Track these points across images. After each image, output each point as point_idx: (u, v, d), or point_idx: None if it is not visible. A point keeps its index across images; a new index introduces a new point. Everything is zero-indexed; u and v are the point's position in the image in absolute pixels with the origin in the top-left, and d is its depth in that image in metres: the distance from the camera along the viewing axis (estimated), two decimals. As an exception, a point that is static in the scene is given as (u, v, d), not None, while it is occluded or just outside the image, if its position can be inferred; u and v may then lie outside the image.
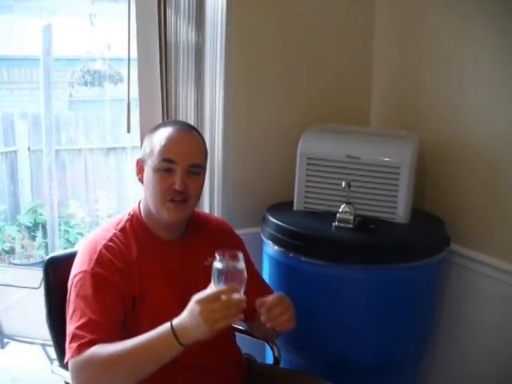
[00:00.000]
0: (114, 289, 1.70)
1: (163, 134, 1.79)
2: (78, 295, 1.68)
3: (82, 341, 1.60)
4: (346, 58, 2.70)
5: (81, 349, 1.59)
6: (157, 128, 1.84)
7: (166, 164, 1.74)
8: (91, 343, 1.60)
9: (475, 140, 2.31)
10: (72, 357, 1.60)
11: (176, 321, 1.55)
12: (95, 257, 1.72)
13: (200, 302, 1.52)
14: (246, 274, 1.57)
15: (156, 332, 1.56)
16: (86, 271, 1.70)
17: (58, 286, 1.86)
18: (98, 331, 1.62)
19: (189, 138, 1.81)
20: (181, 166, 1.74)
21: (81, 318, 1.64)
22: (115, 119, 5.39)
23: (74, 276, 1.72)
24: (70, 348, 1.62)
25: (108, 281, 1.69)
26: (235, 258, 1.57)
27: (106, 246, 1.74)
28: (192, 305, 1.53)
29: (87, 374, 1.60)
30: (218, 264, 1.55)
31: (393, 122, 2.71)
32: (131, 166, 5.36)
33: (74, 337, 1.63)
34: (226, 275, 1.54)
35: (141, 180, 1.84)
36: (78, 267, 1.73)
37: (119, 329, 1.68)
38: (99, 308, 1.65)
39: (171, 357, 1.55)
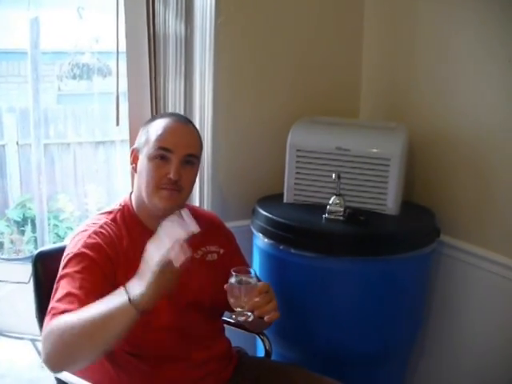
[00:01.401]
0: (98, 267, 1.68)
1: (160, 123, 1.80)
2: (61, 275, 1.68)
3: (55, 311, 1.58)
4: (334, 50, 2.69)
5: (52, 319, 1.57)
6: (153, 119, 1.87)
7: (162, 152, 1.75)
8: (63, 313, 1.57)
9: (464, 131, 2.32)
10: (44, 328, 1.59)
11: (133, 289, 1.49)
12: (83, 240, 1.72)
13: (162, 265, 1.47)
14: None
15: (112, 301, 1.50)
16: (72, 252, 1.70)
17: (48, 280, 1.84)
18: (73, 303, 1.59)
19: (185, 129, 1.83)
20: (176, 155, 1.75)
21: (59, 292, 1.63)
22: (104, 113, 5.37)
23: (62, 259, 1.72)
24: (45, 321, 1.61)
25: (92, 260, 1.68)
26: (248, 272, 1.70)
27: (95, 232, 1.75)
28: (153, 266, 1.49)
29: (49, 341, 1.55)
30: (232, 279, 1.67)
31: (382, 114, 2.71)
32: (120, 160, 5.34)
33: (51, 310, 1.61)
34: (240, 289, 1.67)
35: (134, 169, 1.85)
36: (66, 251, 1.74)
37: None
38: (78, 282, 1.63)
39: (126, 323, 1.49)
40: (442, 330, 2.49)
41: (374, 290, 2.14)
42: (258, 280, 1.77)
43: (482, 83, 2.23)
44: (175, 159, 1.75)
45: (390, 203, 2.27)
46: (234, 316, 1.70)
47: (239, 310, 1.67)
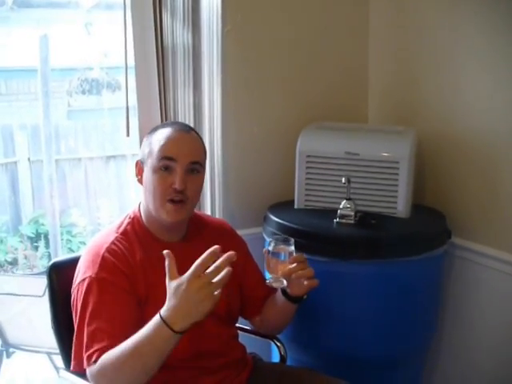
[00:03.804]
0: (121, 292, 1.70)
1: (162, 134, 1.80)
2: (84, 302, 1.69)
3: (90, 351, 1.62)
4: (342, 56, 2.72)
5: (90, 359, 1.61)
6: (155, 129, 1.86)
7: (166, 162, 1.75)
8: (99, 352, 1.61)
9: (473, 133, 2.32)
10: (84, 366, 1.64)
11: (164, 311, 1.51)
12: (99, 261, 1.72)
13: (187, 281, 1.50)
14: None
15: (149, 327, 1.52)
16: (90, 277, 1.70)
17: (63, 290, 1.86)
18: (104, 340, 1.63)
19: (188, 137, 1.83)
20: (180, 163, 1.75)
21: (88, 326, 1.66)
22: (114, 127, 5.39)
23: (79, 282, 1.73)
24: (80, 357, 1.66)
25: (113, 285, 1.70)
26: (286, 240, 1.78)
27: (108, 250, 1.75)
28: (175, 289, 1.51)
29: (104, 380, 1.61)
30: (270, 246, 1.76)
31: (390, 118, 2.72)
32: (131, 174, 5.35)
33: (83, 346, 1.65)
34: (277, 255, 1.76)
35: (140, 181, 1.85)
36: (82, 273, 1.74)
37: (128, 332, 1.66)
38: (104, 314, 1.66)
39: (172, 346, 1.52)
40: (456, 332, 2.49)
41: (387, 293, 2.15)
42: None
43: (491, 85, 2.24)
44: (179, 168, 1.75)
45: (400, 206, 2.28)
46: (268, 281, 1.78)
47: (274, 275, 1.75)
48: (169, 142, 1.78)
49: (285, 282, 1.77)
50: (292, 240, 1.77)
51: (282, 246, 1.76)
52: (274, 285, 1.77)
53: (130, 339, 1.56)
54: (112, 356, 1.57)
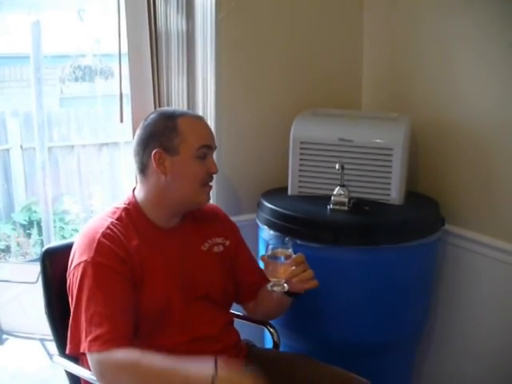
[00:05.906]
0: (117, 276, 1.70)
1: (189, 122, 1.83)
2: (80, 286, 1.68)
3: (92, 336, 1.62)
4: (336, 43, 2.71)
5: (93, 344, 1.61)
6: (172, 117, 1.82)
7: (205, 150, 1.82)
8: (103, 338, 1.61)
9: (466, 121, 2.32)
10: (82, 350, 1.64)
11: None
12: (94, 246, 1.71)
13: None
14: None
15: (196, 371, 1.56)
16: (86, 261, 1.69)
17: (56, 276, 1.86)
18: (103, 324, 1.63)
19: (207, 125, 1.91)
20: (212, 150, 1.87)
21: (86, 310, 1.65)
22: (107, 114, 5.39)
23: (75, 267, 1.72)
24: (76, 341, 1.65)
25: (109, 269, 1.69)
26: (284, 243, 1.79)
27: (104, 235, 1.74)
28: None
29: (112, 376, 1.62)
30: (269, 250, 1.76)
31: (384, 105, 2.71)
32: (124, 161, 5.35)
33: (80, 330, 1.65)
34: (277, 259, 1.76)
35: (164, 172, 1.79)
36: (77, 257, 1.73)
37: (126, 317, 1.68)
38: (103, 298, 1.66)
39: None
40: (449, 318, 2.50)
41: (381, 279, 2.15)
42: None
43: (484, 71, 2.24)
44: (211, 154, 1.86)
45: (393, 193, 2.28)
46: (269, 286, 1.77)
47: (275, 280, 1.75)
48: (203, 131, 1.85)
49: (286, 286, 1.76)
50: (290, 242, 1.78)
51: (280, 250, 1.76)
52: (276, 289, 1.76)
53: (165, 364, 1.60)
54: (137, 366, 1.60)
